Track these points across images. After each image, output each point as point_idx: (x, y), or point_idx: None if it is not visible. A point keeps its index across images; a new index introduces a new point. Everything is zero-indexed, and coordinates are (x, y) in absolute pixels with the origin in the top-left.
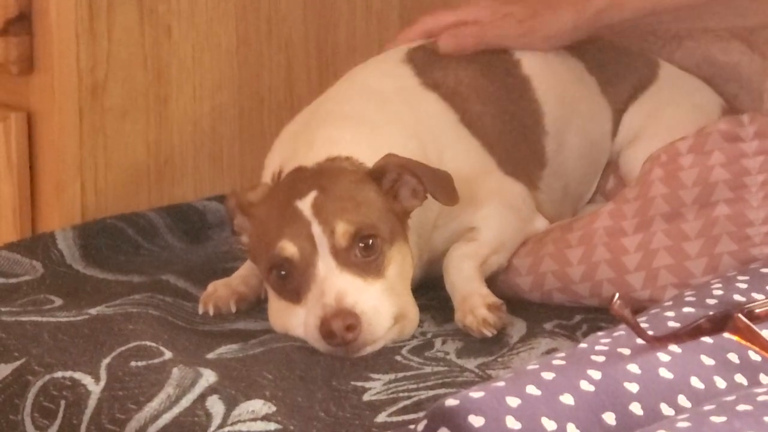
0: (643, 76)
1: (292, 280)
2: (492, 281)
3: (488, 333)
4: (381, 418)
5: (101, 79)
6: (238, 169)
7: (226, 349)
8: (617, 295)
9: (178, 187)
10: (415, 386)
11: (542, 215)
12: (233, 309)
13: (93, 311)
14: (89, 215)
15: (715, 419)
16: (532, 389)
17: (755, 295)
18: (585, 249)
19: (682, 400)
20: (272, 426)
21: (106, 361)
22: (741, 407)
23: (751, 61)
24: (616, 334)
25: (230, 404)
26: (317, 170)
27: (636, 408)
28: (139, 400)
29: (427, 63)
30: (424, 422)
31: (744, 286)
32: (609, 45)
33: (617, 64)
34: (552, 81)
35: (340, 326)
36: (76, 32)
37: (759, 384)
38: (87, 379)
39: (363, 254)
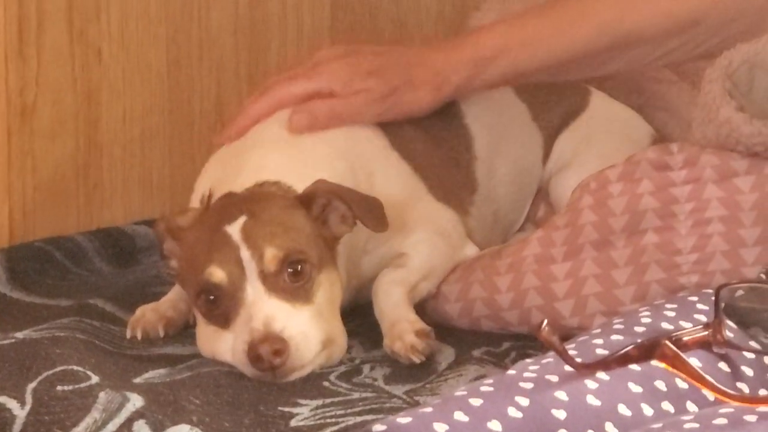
0: (574, 103)
1: (220, 305)
2: (421, 308)
3: (416, 359)
4: None
5: (30, 101)
6: (168, 193)
7: (153, 374)
8: (545, 321)
9: (107, 211)
10: (342, 412)
11: (472, 242)
12: (161, 333)
13: (19, 335)
14: (16, 237)
15: None
16: (459, 415)
17: (683, 323)
18: (514, 276)
19: (610, 428)
20: None
21: (32, 385)
22: None
23: (680, 90)
24: (544, 361)
25: (157, 429)
26: (246, 195)
27: None
28: (65, 425)
29: None
30: None
31: (672, 314)
32: None
33: (548, 91)
34: (482, 106)
35: (268, 351)
36: (5, 54)
37: (686, 412)
38: (12, 404)
39: (291, 279)
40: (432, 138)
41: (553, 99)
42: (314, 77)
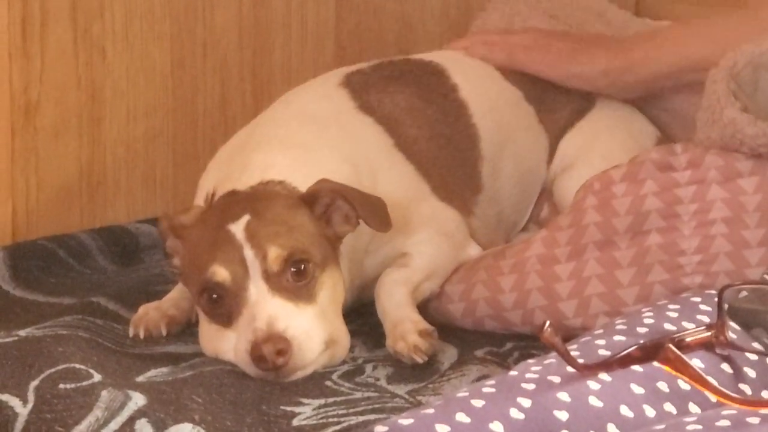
0: (580, 104)
1: (223, 304)
2: (424, 308)
3: (419, 359)
4: None
5: (34, 99)
6: (171, 192)
7: (156, 372)
8: (548, 322)
9: (111, 209)
10: (344, 411)
11: (475, 242)
12: (164, 332)
13: (22, 333)
14: (20, 236)
15: None
16: (461, 416)
17: (686, 324)
18: (517, 276)
19: (612, 429)
20: None
21: (34, 383)
22: None
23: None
24: (546, 361)
25: (159, 427)
26: (250, 194)
27: None
28: (67, 423)
29: (363, 87)
30: None
31: (675, 315)
32: None
33: (554, 92)
34: (489, 106)
35: (271, 351)
36: (9, 52)
37: (688, 413)
38: (14, 402)
39: (295, 279)
40: (437, 137)
41: (558, 100)
42: (510, 32)
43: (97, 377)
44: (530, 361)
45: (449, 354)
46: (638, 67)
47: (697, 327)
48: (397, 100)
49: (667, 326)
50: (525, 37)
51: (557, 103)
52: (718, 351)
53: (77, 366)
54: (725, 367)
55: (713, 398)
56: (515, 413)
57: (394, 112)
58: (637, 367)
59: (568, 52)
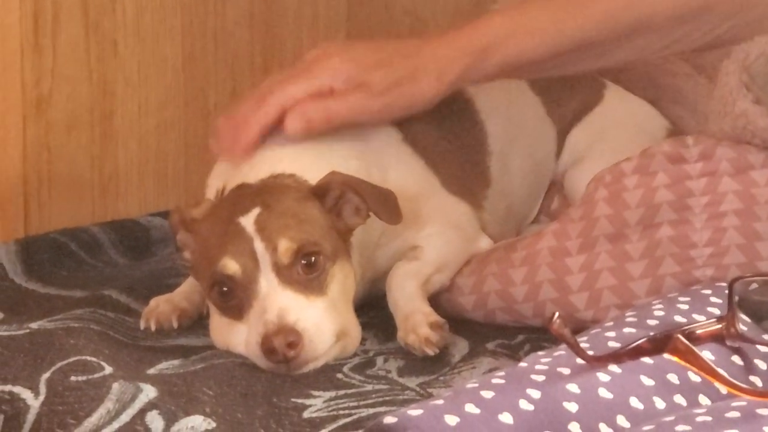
0: (589, 97)
1: (234, 297)
2: (435, 300)
3: (430, 352)
4: None
5: (46, 93)
6: (183, 185)
7: (167, 365)
8: (556, 314)
9: (122, 203)
10: (355, 404)
11: (486, 235)
12: (175, 325)
13: (34, 325)
14: (32, 229)
15: None
16: (471, 408)
17: (696, 317)
18: (528, 269)
19: (621, 421)
20: None
21: (46, 375)
22: (680, 428)
23: (696, 83)
24: (556, 353)
25: (170, 420)
26: (260, 187)
27: (575, 428)
28: (78, 415)
29: None
30: None
31: (685, 307)
32: None
33: (563, 84)
34: (496, 100)
35: (282, 343)
36: (21, 46)
37: (698, 405)
38: (26, 394)
39: (305, 271)
40: (446, 132)
41: (567, 93)
42: (313, 75)
43: (108, 369)
44: (540, 353)
45: (460, 346)
46: (471, 73)
47: (707, 319)
48: None
49: (678, 318)
50: (340, 78)
51: (565, 96)
52: (728, 343)
53: (89, 358)
54: (736, 359)
55: (724, 390)
56: (525, 405)
57: None
58: (647, 359)
59: (390, 87)
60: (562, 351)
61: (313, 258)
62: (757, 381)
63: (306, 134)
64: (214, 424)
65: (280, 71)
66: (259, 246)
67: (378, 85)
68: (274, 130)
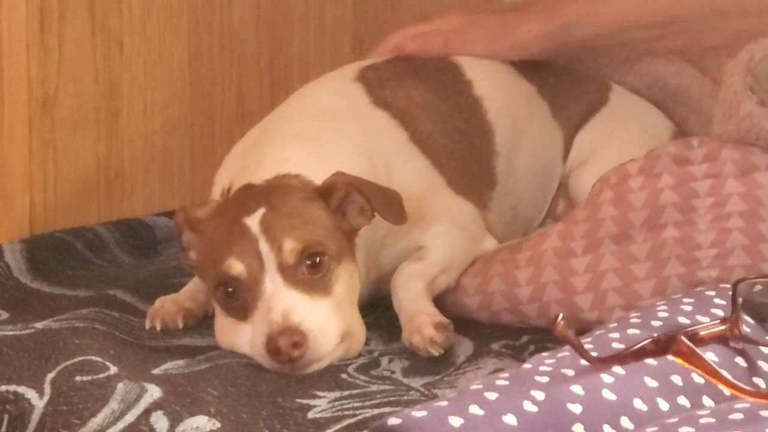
0: (595, 99)
1: (239, 297)
2: (440, 301)
3: (435, 352)
4: None
5: (52, 92)
6: (189, 185)
7: (172, 365)
8: (560, 315)
9: (128, 202)
10: (360, 404)
11: (491, 235)
12: (180, 325)
13: (39, 325)
14: (37, 228)
15: None
16: (475, 409)
17: (700, 318)
18: (533, 270)
19: (625, 422)
20: None
21: (50, 375)
22: (683, 429)
23: (701, 85)
24: (560, 354)
25: (174, 420)
26: (265, 187)
27: (579, 429)
28: (83, 415)
29: (377, 81)
30: None
31: (689, 308)
32: (561, 70)
33: (569, 88)
34: (503, 101)
35: (287, 343)
36: (27, 45)
37: (701, 406)
38: (31, 394)
39: (310, 272)
40: (452, 132)
41: (573, 95)
42: (430, 20)
43: (113, 369)
44: (544, 354)
45: (465, 347)
46: (573, 28)
47: (711, 321)
48: (412, 94)
49: (682, 320)
50: (451, 22)
51: (571, 98)
52: (732, 345)
53: (93, 358)
54: (739, 360)
55: (727, 391)
56: (529, 406)
57: (408, 106)
58: (650, 361)
59: (498, 25)
60: (566, 352)
61: (318, 258)
62: (761, 382)
63: (422, 54)
64: (218, 425)
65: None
66: (264, 246)
67: (486, 22)
68: (284, 131)
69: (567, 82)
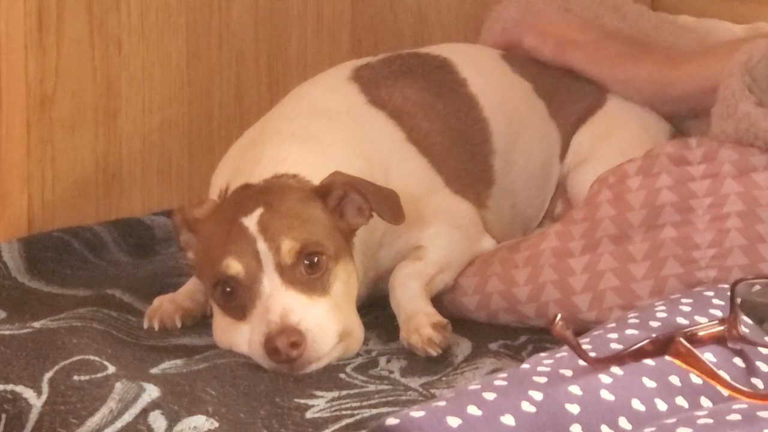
0: (593, 99)
1: (237, 297)
2: (438, 300)
3: (433, 352)
4: None
5: (50, 91)
6: (187, 184)
7: (170, 365)
8: (558, 315)
9: (126, 201)
10: (358, 404)
11: (490, 235)
12: (178, 324)
13: (37, 324)
14: (35, 228)
15: None
16: (473, 409)
17: (698, 318)
18: (532, 269)
19: (623, 422)
20: None
21: (48, 374)
22: (681, 430)
23: None
24: (558, 355)
25: (172, 419)
26: (263, 187)
27: (577, 429)
28: (80, 415)
29: (373, 81)
30: None
31: (687, 308)
32: (559, 70)
33: (567, 88)
34: (499, 100)
35: (285, 343)
36: (25, 44)
37: (699, 407)
38: (29, 393)
39: (308, 271)
40: (449, 131)
41: (570, 95)
42: (567, 27)
43: (111, 369)
44: (542, 354)
45: (463, 347)
46: (684, 82)
47: (709, 321)
48: (408, 94)
49: (680, 320)
50: (580, 34)
51: (569, 98)
52: (730, 345)
53: (91, 358)
54: (737, 361)
55: (725, 392)
56: (527, 406)
57: (405, 105)
58: (649, 361)
59: (617, 56)
60: (564, 353)
61: (316, 258)
62: (759, 383)
63: (534, 53)
64: (216, 424)
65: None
66: (262, 246)
67: (612, 49)
68: (282, 131)
69: (565, 82)
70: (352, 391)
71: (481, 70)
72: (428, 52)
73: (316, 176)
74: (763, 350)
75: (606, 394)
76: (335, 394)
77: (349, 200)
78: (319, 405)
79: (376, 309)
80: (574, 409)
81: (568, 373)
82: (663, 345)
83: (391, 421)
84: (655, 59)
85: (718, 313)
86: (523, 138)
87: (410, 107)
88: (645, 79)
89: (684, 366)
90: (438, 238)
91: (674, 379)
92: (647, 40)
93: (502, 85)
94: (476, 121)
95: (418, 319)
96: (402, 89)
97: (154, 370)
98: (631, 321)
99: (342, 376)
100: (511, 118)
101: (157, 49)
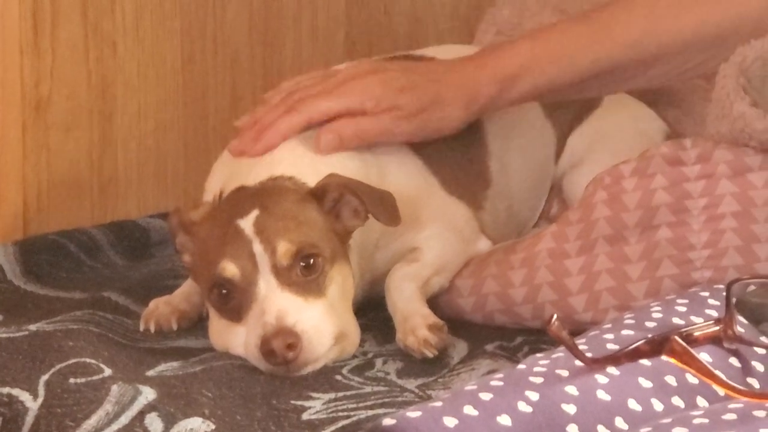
0: (588, 100)
1: (233, 299)
2: (434, 302)
3: (429, 354)
4: None
5: (45, 94)
6: (182, 187)
7: (166, 367)
8: (555, 316)
9: (122, 204)
10: (354, 406)
11: (486, 236)
12: (174, 326)
13: (33, 327)
14: (31, 231)
15: None
16: (469, 410)
17: (694, 318)
18: (527, 271)
19: (620, 423)
20: None
21: (44, 377)
22: (677, 430)
23: (694, 86)
24: (554, 355)
25: (169, 422)
26: (259, 189)
27: (573, 430)
28: (77, 417)
29: None
30: None
31: (683, 309)
32: None
33: None
34: None
35: (281, 345)
36: (20, 47)
37: (696, 407)
38: (25, 396)
39: (304, 273)
40: None
41: None
42: (344, 94)
43: (107, 372)
44: (538, 354)
45: (459, 348)
46: (497, 101)
47: (705, 321)
48: None
49: (676, 320)
50: (370, 101)
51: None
52: (726, 345)
53: (87, 360)
54: (733, 361)
55: (721, 392)
56: (523, 406)
57: None
58: (645, 361)
59: (420, 111)
60: (560, 353)
61: (312, 260)
62: (755, 383)
63: (336, 151)
64: (213, 426)
65: (310, 75)
66: (258, 248)
67: (406, 109)
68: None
69: None
70: (348, 393)
71: None
72: (424, 53)
73: (311, 178)
74: (758, 350)
75: (602, 395)
76: (331, 395)
77: (344, 202)
78: (315, 407)
79: (372, 311)
80: (570, 409)
81: (565, 373)
82: (659, 345)
83: (388, 421)
84: (457, 91)
85: (714, 314)
86: (518, 140)
87: None
88: (458, 117)
89: (680, 365)
90: (434, 240)
91: (670, 379)
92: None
93: None
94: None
95: (414, 320)
96: None
97: (150, 373)
98: (627, 321)
99: (338, 377)
100: (507, 120)
101: (152, 52)
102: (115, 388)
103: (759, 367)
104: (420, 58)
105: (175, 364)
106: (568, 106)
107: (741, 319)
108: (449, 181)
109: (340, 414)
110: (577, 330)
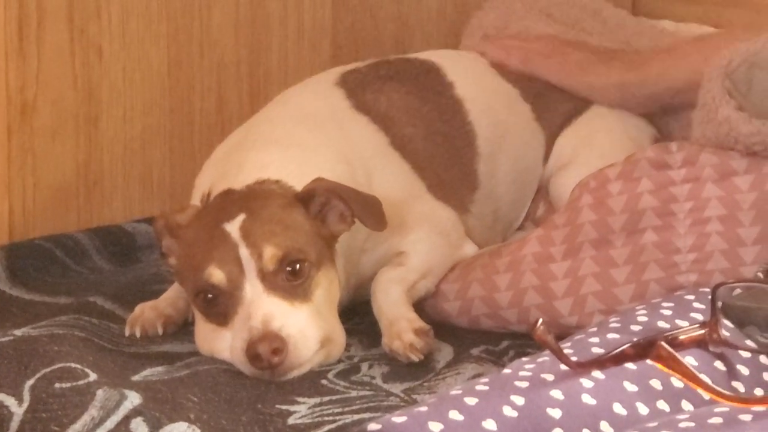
0: (576, 103)
1: (219, 304)
2: (420, 306)
3: (415, 358)
4: None
5: (30, 98)
6: (168, 191)
7: (151, 372)
8: (540, 320)
9: (108, 209)
10: (340, 410)
11: (472, 240)
12: (160, 331)
13: (18, 332)
14: (17, 236)
15: None
16: (454, 414)
17: (679, 322)
18: (513, 275)
19: (605, 426)
20: None
21: (30, 382)
22: None
23: None
24: (540, 359)
25: (154, 426)
26: (246, 193)
27: None
28: (62, 422)
29: (359, 86)
30: None
31: (668, 312)
32: None
33: (552, 91)
34: (485, 104)
35: (267, 350)
36: (5, 51)
37: (681, 411)
38: (10, 401)
39: (290, 278)
40: (433, 136)
41: (555, 99)
42: (524, 38)
43: (92, 376)
44: (524, 359)
45: (445, 352)
46: (653, 82)
47: (690, 325)
48: (393, 98)
49: (661, 324)
50: (542, 45)
51: (553, 102)
52: (711, 349)
53: (73, 365)
54: (719, 364)
55: (706, 396)
56: (508, 411)
57: (389, 111)
58: (630, 365)
59: (585, 62)
60: (545, 357)
61: (298, 265)
62: (740, 386)
63: (501, 62)
64: (198, 431)
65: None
66: (244, 253)
67: (574, 56)
68: (265, 137)
69: (549, 85)
70: (334, 397)
71: (467, 74)
72: (415, 57)
73: (298, 182)
74: (744, 354)
75: (587, 399)
76: (317, 400)
77: (331, 207)
78: (301, 411)
79: (357, 315)
80: (555, 413)
81: (550, 377)
82: (644, 349)
83: (373, 426)
84: (620, 62)
85: (699, 317)
86: (507, 143)
87: (395, 112)
88: (614, 83)
89: (665, 370)
90: (420, 244)
91: (655, 383)
92: (609, 45)
93: (488, 90)
94: (461, 125)
95: (400, 324)
96: (388, 94)
97: (135, 377)
98: (612, 325)
99: (324, 382)
100: (496, 123)
101: (138, 57)
102: (100, 392)
103: (744, 370)
104: (414, 60)
105: (160, 368)
106: (557, 109)
107: (726, 322)
108: (436, 185)
109: (326, 418)
110: (563, 334)
